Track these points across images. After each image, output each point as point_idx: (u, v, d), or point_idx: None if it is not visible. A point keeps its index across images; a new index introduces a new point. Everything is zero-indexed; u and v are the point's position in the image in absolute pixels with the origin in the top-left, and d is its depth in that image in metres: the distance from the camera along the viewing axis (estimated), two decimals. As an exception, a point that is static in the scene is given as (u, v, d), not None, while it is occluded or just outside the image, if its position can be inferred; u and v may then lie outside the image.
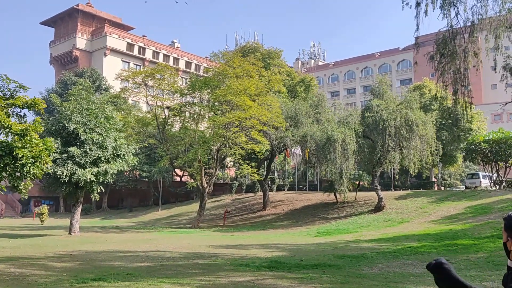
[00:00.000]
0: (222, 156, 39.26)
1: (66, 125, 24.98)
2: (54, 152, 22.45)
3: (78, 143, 25.10)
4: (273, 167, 52.61)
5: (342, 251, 17.81)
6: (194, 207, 47.54)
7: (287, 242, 22.75)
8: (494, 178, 39.31)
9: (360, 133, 33.54)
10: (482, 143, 36.93)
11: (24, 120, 18.71)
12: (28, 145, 17.29)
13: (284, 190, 52.91)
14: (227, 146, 35.57)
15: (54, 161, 23.54)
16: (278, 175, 59.16)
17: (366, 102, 42.83)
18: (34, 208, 58.02)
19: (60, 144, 24.75)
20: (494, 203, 27.38)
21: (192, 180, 39.05)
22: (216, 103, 38.86)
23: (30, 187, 19.57)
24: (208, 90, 38.46)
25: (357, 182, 39.94)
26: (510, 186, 37.86)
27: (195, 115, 39.50)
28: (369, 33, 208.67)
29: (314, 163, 38.28)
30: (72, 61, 79.05)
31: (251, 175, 38.34)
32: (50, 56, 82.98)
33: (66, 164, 24.27)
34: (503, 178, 38.21)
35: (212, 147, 36.33)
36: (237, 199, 50.16)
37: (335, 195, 36.94)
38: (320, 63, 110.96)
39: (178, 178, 56.95)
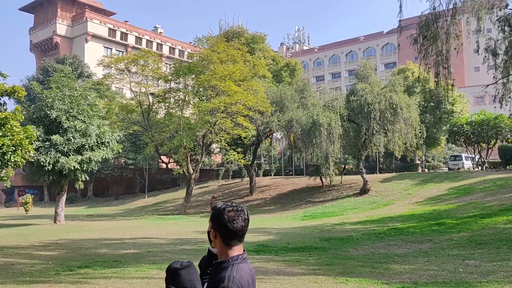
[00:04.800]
0: (208, 142, 39.11)
1: (48, 112, 24.56)
2: (36, 140, 22.14)
3: (60, 131, 24.73)
4: (259, 153, 52.68)
5: (328, 233, 18.03)
6: (180, 194, 47.50)
7: (274, 226, 22.92)
8: (477, 160, 39.99)
9: (345, 117, 33.68)
10: (464, 125, 37.43)
11: (4, 108, 18.35)
12: (8, 133, 16.99)
13: (270, 175, 53.12)
14: (212, 132, 35.42)
15: (37, 149, 23.20)
16: (264, 160, 59.34)
17: (351, 86, 42.94)
18: (18, 198, 57.39)
19: (42, 132, 24.36)
20: (477, 184, 27.89)
21: (178, 166, 38.89)
22: (201, 89, 38.54)
23: (11, 175, 19.32)
24: (193, 76, 38.08)
25: (343, 166, 40.28)
26: (492, 167, 38.58)
27: (180, 101, 39.14)
28: (353, 17, 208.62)
29: (300, 147, 38.40)
30: (53, 48, 77.46)
31: (237, 161, 38.33)
32: (30, 43, 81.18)
33: (49, 152, 23.94)
34: (485, 159, 38.89)
35: (198, 133, 36.14)
36: (224, 185, 50.23)
37: (321, 179, 37.23)
38: (305, 48, 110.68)
39: (164, 165, 56.70)
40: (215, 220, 2.33)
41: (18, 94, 18.12)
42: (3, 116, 17.39)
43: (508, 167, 36.70)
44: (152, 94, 40.28)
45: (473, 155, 39.95)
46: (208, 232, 2.39)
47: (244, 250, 2.36)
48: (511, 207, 18.96)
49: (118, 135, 27.93)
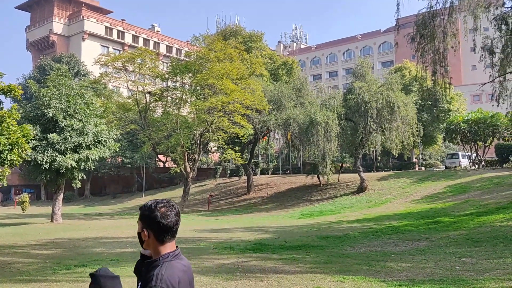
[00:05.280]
0: (205, 141, 39.07)
1: (45, 111, 24.49)
2: (33, 139, 22.09)
3: (57, 130, 24.67)
4: (256, 151, 52.69)
5: (326, 232, 18.05)
6: (178, 193, 47.44)
7: (272, 224, 22.94)
8: (473, 158, 40.07)
9: (342, 115, 33.71)
10: (461, 124, 37.50)
11: (1, 106, 18.28)
12: (5, 132, 16.95)
13: (268, 173, 53.13)
14: (210, 130, 35.37)
15: (33, 148, 23.15)
16: (262, 159, 59.34)
17: (348, 85, 42.99)
18: (15, 197, 57.23)
19: (39, 130, 24.30)
20: (473, 182, 27.97)
21: (176, 165, 38.85)
22: (198, 88, 38.49)
23: (8, 174, 19.28)
24: (190, 74, 38.02)
25: (340, 164, 40.31)
26: (489, 165, 38.69)
27: (177, 100, 39.08)
28: (350, 16, 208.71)
29: (298, 146, 38.42)
30: (49, 46, 77.18)
31: (235, 160, 38.31)
32: (27, 42, 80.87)
33: (46, 151, 23.88)
34: (482, 157, 38.99)
35: (195, 132, 36.10)
36: (221, 184, 50.22)
37: (318, 177, 37.26)
38: (302, 46, 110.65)
39: (161, 164, 56.58)
40: (147, 219, 2.27)
41: (15, 92, 18.09)
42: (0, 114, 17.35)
43: (504, 165, 36.80)
44: (149, 92, 40.19)
45: (470, 153, 40.04)
46: (139, 234, 2.31)
47: (177, 247, 2.33)
48: (508, 205, 19.04)
49: (115, 134, 27.90)
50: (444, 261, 10.64)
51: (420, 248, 12.78)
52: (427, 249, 12.51)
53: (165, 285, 2.11)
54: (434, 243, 13.58)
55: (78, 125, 24.78)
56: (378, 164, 50.42)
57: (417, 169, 47.52)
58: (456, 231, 15.20)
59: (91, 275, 2.41)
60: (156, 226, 2.25)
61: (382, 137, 33.34)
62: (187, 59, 42.61)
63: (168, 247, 2.28)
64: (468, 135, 37.36)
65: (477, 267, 9.72)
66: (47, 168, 24.04)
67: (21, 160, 18.93)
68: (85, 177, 28.27)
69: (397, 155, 39.63)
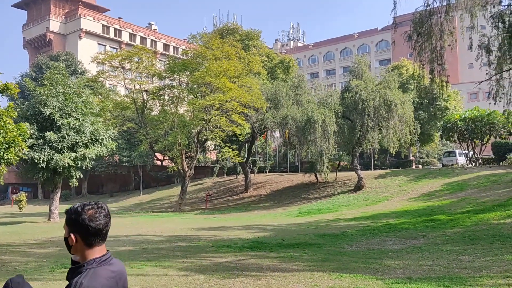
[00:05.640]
0: (203, 139, 39.05)
1: (42, 110, 24.45)
2: (30, 138, 22.05)
3: (54, 128, 24.64)
4: (254, 150, 52.68)
5: (323, 230, 18.07)
6: (175, 191, 47.42)
7: (269, 222, 22.96)
8: (470, 156, 40.18)
9: (339, 113, 33.72)
10: (458, 122, 37.58)
11: (-3, 105, 18.21)
12: (1, 130, 16.90)
13: (265, 172, 53.15)
14: (207, 129, 35.36)
15: (30, 147, 23.11)
16: (259, 157, 59.32)
17: (345, 83, 43.03)
18: (12, 195, 57.09)
19: (36, 129, 24.26)
20: (470, 180, 28.04)
21: (173, 164, 38.83)
22: (195, 86, 38.46)
23: (4, 173, 19.24)
24: (187, 73, 38.00)
25: (337, 163, 40.37)
26: (485, 163, 38.81)
27: (174, 98, 39.05)
28: (348, 14, 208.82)
29: (295, 144, 38.43)
30: (46, 45, 76.95)
31: (232, 158, 38.32)
32: (24, 40, 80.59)
33: (43, 150, 23.85)
34: (479, 155, 39.10)
35: (192, 130, 36.09)
36: (219, 182, 50.21)
37: (315, 175, 37.28)
38: (299, 45, 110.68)
39: (158, 162, 56.50)
40: (73, 222, 2.16)
41: (11, 91, 18.03)
42: (-4, 113, 17.29)
43: (501, 163, 36.92)
44: (146, 91, 40.15)
45: (467, 151, 40.15)
46: (66, 239, 2.20)
47: (107, 251, 2.23)
48: (504, 203, 19.10)
49: (112, 132, 27.88)
50: (441, 258, 10.67)
51: (417, 246, 12.81)
52: (424, 247, 12.55)
53: None
54: (431, 240, 13.61)
55: (75, 123, 24.75)
56: (375, 162, 50.52)
57: (414, 167, 47.63)
58: (453, 229, 15.24)
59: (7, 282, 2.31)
60: (84, 230, 2.15)
61: (380, 135, 33.38)
62: (184, 58, 42.57)
63: (97, 252, 2.18)
64: (465, 133, 37.45)
65: (474, 264, 9.75)
66: (44, 166, 24.01)
67: (18, 158, 18.90)
68: (82, 175, 28.25)
69: (394, 153, 39.71)
